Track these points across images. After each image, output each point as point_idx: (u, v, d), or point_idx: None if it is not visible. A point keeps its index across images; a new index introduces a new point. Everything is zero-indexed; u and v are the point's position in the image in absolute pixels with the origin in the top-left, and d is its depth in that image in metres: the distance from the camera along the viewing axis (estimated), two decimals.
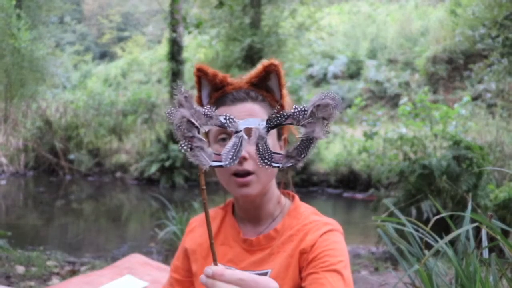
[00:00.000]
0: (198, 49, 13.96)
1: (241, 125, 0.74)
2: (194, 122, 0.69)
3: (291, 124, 0.74)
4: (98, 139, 11.21)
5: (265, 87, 1.10)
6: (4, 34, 11.84)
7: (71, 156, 10.76)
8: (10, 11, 12.06)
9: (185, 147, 0.70)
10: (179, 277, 1.26)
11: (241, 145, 0.75)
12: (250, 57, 10.53)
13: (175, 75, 10.44)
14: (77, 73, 28.21)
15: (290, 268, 1.08)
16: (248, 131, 0.97)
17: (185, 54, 11.54)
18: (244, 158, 1.05)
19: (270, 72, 1.09)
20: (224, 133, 1.06)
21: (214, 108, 0.76)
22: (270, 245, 1.12)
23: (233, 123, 0.73)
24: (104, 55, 32.69)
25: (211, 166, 0.72)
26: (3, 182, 9.89)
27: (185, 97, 0.71)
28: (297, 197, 1.20)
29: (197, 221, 1.28)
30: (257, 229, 1.15)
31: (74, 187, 10.00)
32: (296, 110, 0.72)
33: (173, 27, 10.26)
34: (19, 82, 12.50)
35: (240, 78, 1.14)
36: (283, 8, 11.82)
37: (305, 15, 12.48)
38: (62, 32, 25.89)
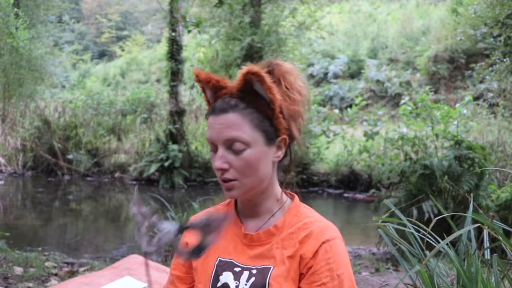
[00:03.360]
0: (198, 48, 13.93)
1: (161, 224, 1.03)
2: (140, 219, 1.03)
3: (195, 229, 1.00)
4: (97, 139, 11.19)
5: (253, 91, 1.09)
6: (2, 33, 11.83)
7: (70, 156, 10.74)
8: (8, 10, 12.05)
9: (136, 233, 1.02)
10: (180, 274, 1.27)
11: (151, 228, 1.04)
12: (250, 56, 10.49)
13: (175, 74, 10.41)
14: (76, 73, 28.27)
15: (292, 270, 1.09)
16: (229, 143, 1.08)
17: (184, 54, 11.51)
18: (225, 169, 1.09)
19: (250, 80, 1.08)
20: (212, 144, 1.11)
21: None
22: (269, 241, 1.13)
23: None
24: (103, 55, 32.75)
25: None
26: (1, 182, 9.87)
27: (138, 199, 1.05)
28: (296, 197, 1.21)
29: (197, 217, 1.28)
30: (257, 224, 1.17)
31: (73, 187, 9.99)
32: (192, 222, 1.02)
33: (173, 26, 10.23)
34: (17, 82, 12.51)
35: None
36: (283, 7, 11.78)
37: (306, 14, 12.44)
38: (60, 31, 25.91)
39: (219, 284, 1.12)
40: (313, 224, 1.12)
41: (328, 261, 1.07)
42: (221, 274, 1.13)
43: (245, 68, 1.08)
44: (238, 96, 1.09)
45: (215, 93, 1.13)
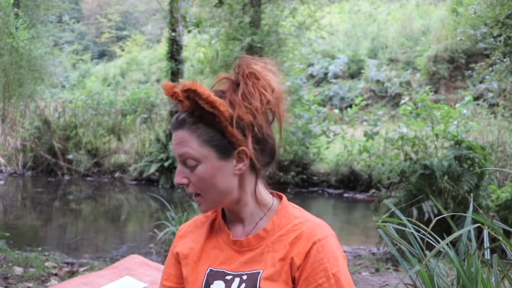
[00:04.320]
0: (198, 48, 13.93)
1: None
2: None
3: None
4: (97, 139, 11.20)
5: (200, 105, 1.04)
6: (2, 33, 11.84)
7: (70, 156, 10.74)
8: (8, 10, 12.06)
9: None
10: (172, 285, 1.24)
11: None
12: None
13: (174, 74, 10.42)
14: (76, 73, 28.29)
15: (283, 272, 1.07)
16: (182, 159, 1.07)
17: (184, 54, 11.53)
18: (184, 184, 1.09)
19: (189, 97, 1.04)
20: None
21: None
22: (260, 245, 1.11)
23: None
24: (103, 55, 32.77)
25: None
26: (1, 182, 9.88)
27: None
28: (284, 197, 1.18)
29: (187, 226, 1.27)
30: (245, 229, 1.15)
31: (73, 187, 9.99)
32: None
33: (173, 26, 10.24)
34: (17, 82, 12.52)
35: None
36: (283, 7, 11.79)
37: (306, 14, 12.44)
38: (60, 31, 25.91)
39: None
40: (303, 224, 1.10)
41: (321, 262, 1.05)
42: (212, 283, 1.11)
43: (181, 84, 1.04)
44: (189, 111, 1.07)
45: (180, 105, 1.10)
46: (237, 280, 1.09)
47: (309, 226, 1.09)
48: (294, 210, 1.15)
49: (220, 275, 1.11)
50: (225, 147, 1.06)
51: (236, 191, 1.10)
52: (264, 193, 1.15)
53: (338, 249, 1.09)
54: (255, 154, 1.07)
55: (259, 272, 1.08)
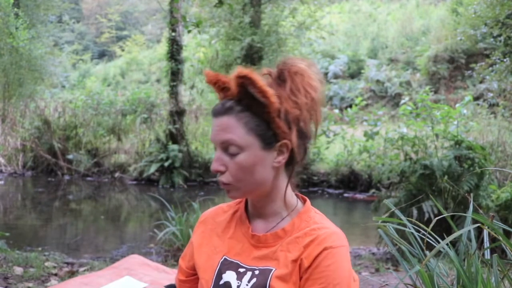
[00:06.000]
0: (198, 48, 13.96)
1: None
2: None
3: None
4: (97, 139, 11.19)
5: (251, 94, 1.06)
6: (2, 33, 11.85)
7: (70, 156, 10.74)
8: (8, 10, 12.07)
9: None
10: (183, 266, 1.29)
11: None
12: (250, 56, 10.52)
13: (175, 74, 10.43)
14: (76, 73, 28.33)
15: (294, 273, 1.09)
16: (224, 146, 1.08)
17: (184, 54, 11.51)
18: (221, 171, 1.10)
19: (242, 83, 1.05)
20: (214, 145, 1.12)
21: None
22: (276, 244, 1.13)
23: None
24: (103, 55, 32.81)
25: None
26: (1, 182, 9.88)
27: None
28: (308, 201, 1.20)
29: (209, 212, 1.29)
30: (266, 226, 1.16)
31: (73, 187, 9.99)
32: None
33: (173, 26, 10.24)
34: (17, 82, 12.53)
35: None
36: (283, 7, 11.81)
37: (306, 14, 12.45)
38: (60, 31, 25.98)
39: (221, 282, 1.12)
40: (321, 230, 1.11)
41: (326, 268, 1.06)
42: (224, 272, 1.13)
43: (236, 70, 1.06)
44: (236, 98, 1.08)
45: (222, 94, 1.12)
46: (249, 273, 1.11)
47: (325, 232, 1.10)
48: (316, 215, 1.16)
49: (234, 266, 1.13)
50: (269, 138, 1.08)
51: (269, 183, 1.12)
52: (291, 193, 1.17)
53: (347, 262, 1.09)
54: (298, 147, 1.10)
55: (271, 270, 1.09)
